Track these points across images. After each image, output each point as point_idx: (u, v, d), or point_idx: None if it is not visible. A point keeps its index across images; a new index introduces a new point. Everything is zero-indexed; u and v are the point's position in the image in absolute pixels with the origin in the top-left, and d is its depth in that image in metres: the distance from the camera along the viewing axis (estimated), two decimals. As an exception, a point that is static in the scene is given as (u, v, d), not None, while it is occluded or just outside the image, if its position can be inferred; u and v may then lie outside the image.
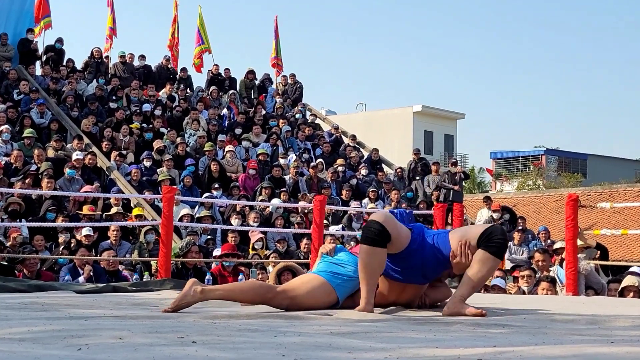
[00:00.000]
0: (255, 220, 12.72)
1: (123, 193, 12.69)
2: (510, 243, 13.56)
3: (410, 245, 4.15)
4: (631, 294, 7.57)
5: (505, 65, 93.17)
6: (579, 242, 8.73)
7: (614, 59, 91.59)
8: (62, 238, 10.76)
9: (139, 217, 12.09)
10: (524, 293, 8.12)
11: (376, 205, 15.23)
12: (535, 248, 12.32)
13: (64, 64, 18.29)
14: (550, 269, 8.50)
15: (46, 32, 19.25)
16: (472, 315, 3.95)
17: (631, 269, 8.50)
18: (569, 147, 56.64)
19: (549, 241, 13.56)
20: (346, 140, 19.74)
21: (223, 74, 20.24)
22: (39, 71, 17.75)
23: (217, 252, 10.92)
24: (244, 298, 4.28)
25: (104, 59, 19.43)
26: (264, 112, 19.28)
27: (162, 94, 18.56)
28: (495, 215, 15.36)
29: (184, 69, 20.27)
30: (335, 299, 4.24)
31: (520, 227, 14.30)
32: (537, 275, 8.46)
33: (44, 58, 18.42)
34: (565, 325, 3.56)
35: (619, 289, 7.85)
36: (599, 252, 9.78)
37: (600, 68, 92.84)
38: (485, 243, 4.07)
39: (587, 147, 73.63)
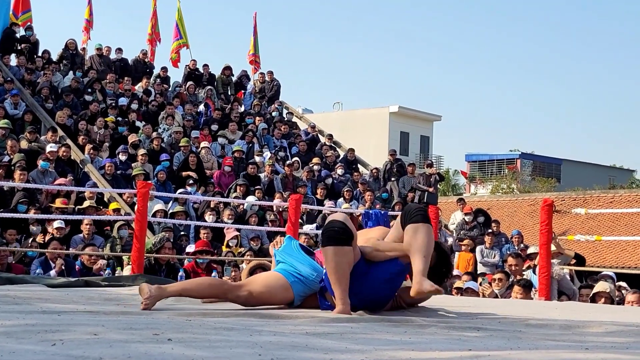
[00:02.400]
0: (230, 217, 12.69)
1: (97, 187, 12.59)
2: (482, 246, 13.62)
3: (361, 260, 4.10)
4: (602, 300, 7.64)
5: (482, 68, 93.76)
6: (553, 247, 8.81)
7: (590, 66, 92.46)
8: (38, 234, 10.65)
9: (117, 211, 12.01)
10: (496, 296, 8.17)
11: (350, 205, 15.24)
12: (508, 252, 12.38)
13: (40, 54, 18.11)
14: (523, 273, 8.56)
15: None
16: (434, 291, 3.87)
17: (602, 273, 8.60)
18: (544, 152, 57.02)
19: (522, 245, 13.63)
20: (322, 139, 19.74)
21: (201, 70, 20.16)
22: (14, 61, 17.55)
23: (190, 248, 10.88)
24: (200, 293, 4.26)
25: (80, 51, 19.27)
26: (241, 109, 19.22)
27: (138, 88, 18.45)
28: (467, 218, 15.40)
29: (164, 68, 20.13)
30: (291, 296, 4.22)
31: (490, 230, 14.35)
32: (510, 279, 8.51)
33: (18, 48, 18.21)
34: (540, 330, 3.57)
35: (591, 295, 7.92)
36: (574, 260, 9.86)
37: (576, 74, 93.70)
38: (408, 218, 4.03)
39: (562, 152, 74.27)
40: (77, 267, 9.49)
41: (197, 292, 4.24)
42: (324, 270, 4.13)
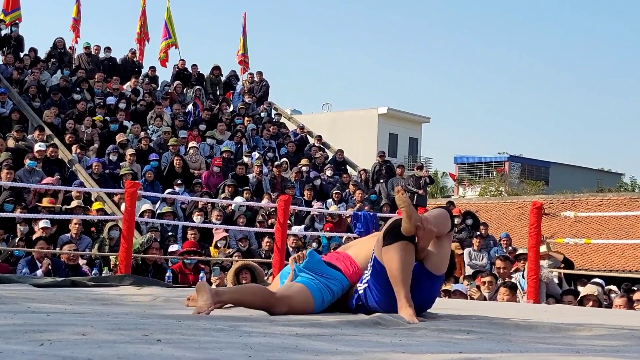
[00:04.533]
0: (219, 218, 12.65)
1: (84, 186, 12.53)
2: (470, 249, 13.63)
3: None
4: (590, 303, 7.67)
5: (471, 70, 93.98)
6: (543, 249, 8.83)
7: (579, 69, 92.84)
8: (25, 234, 10.59)
9: (100, 211, 11.95)
10: (485, 299, 8.18)
11: (339, 207, 15.23)
12: (496, 255, 12.40)
13: (27, 52, 18.02)
14: (511, 275, 8.57)
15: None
16: (410, 322, 3.79)
17: (593, 280, 8.63)
18: (533, 155, 57.20)
19: (510, 248, 13.65)
20: (311, 140, 19.72)
21: (190, 70, 20.10)
22: (0, 59, 17.46)
23: (172, 248, 10.83)
24: (252, 304, 4.10)
25: (68, 50, 19.19)
26: (230, 109, 19.18)
27: (127, 87, 18.39)
28: (456, 221, 15.41)
29: (152, 68, 20.07)
30: (311, 309, 4.16)
31: (478, 233, 14.37)
32: (498, 282, 8.53)
33: (3, 47, 18.12)
34: (529, 333, 3.57)
35: (579, 298, 7.95)
36: (562, 264, 9.89)
37: (565, 78, 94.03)
38: (386, 239, 3.98)
39: (550, 155, 74.40)
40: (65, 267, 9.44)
41: (250, 303, 4.09)
42: (369, 272, 4.11)
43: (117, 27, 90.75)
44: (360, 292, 4.19)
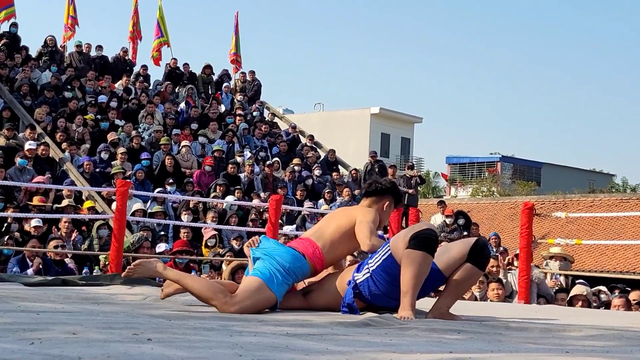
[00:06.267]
0: (214, 219, 12.62)
1: (75, 185, 12.50)
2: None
3: None
4: (580, 303, 7.69)
5: (463, 71, 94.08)
6: (557, 250, 8.87)
7: (570, 70, 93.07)
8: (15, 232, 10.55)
9: (90, 209, 11.92)
10: (476, 299, 8.19)
11: (330, 207, 15.22)
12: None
13: (18, 51, 17.95)
14: (507, 273, 8.58)
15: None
16: (408, 317, 3.92)
17: (577, 281, 8.67)
18: (525, 155, 57.24)
19: (501, 248, 13.68)
20: (303, 140, 19.72)
21: (182, 69, 20.07)
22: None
23: (159, 248, 10.80)
24: (198, 291, 4.14)
25: (60, 48, 19.13)
26: (223, 108, 19.15)
27: (118, 85, 18.35)
28: (448, 220, 15.45)
29: (144, 66, 20.03)
30: (274, 301, 4.17)
31: (466, 233, 14.40)
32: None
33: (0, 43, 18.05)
34: (520, 333, 3.58)
35: (568, 298, 7.97)
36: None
37: (557, 78, 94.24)
38: (410, 239, 4.01)
39: (542, 156, 74.56)
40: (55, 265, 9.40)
41: (196, 290, 4.15)
42: (369, 269, 4.17)
43: (109, 26, 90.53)
44: (359, 280, 4.19)
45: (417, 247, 3.96)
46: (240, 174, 15.54)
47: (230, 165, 15.39)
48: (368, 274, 4.17)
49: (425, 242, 3.97)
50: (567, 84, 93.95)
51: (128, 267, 4.31)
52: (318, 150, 19.57)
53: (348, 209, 4.73)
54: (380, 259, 4.15)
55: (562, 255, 9.84)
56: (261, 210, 13.60)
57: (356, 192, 16.20)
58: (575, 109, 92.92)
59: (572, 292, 8.01)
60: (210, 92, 20.21)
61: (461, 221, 15.46)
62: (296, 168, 16.79)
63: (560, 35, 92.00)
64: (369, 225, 4.29)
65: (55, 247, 9.57)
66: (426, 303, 4.32)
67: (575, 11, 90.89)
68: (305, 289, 4.48)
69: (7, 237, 10.29)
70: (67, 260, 9.85)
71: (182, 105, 18.37)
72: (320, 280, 4.47)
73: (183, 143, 15.87)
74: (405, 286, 3.99)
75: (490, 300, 7.82)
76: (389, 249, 4.12)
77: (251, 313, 4.03)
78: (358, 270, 4.26)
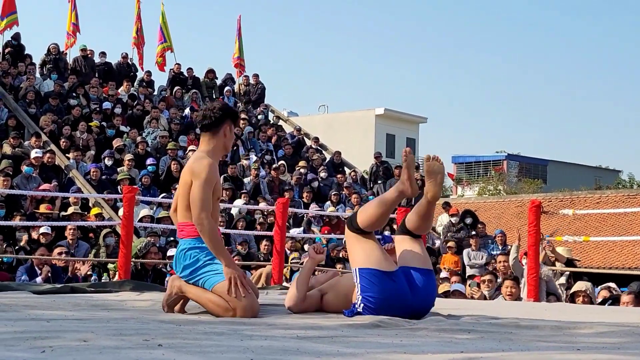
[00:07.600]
0: (222, 224, 12.61)
1: (82, 192, 12.52)
2: (468, 249, 13.63)
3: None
4: (580, 299, 7.68)
5: (468, 70, 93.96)
6: (564, 251, 8.84)
7: (576, 67, 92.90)
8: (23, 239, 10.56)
9: (98, 216, 11.92)
10: (485, 298, 8.18)
11: (337, 209, 15.21)
12: (493, 252, 12.39)
13: (22, 59, 17.97)
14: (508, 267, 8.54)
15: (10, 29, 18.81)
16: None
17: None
18: (530, 153, 57.13)
19: (508, 246, 13.65)
20: (309, 142, 19.71)
21: (185, 74, 20.09)
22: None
23: (171, 252, 10.80)
24: (210, 308, 4.21)
25: (62, 55, 19.13)
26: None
27: (121, 91, 18.35)
28: (454, 220, 15.42)
29: (148, 72, 20.03)
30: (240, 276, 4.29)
31: (474, 233, 14.37)
32: (498, 280, 8.53)
33: (4, 52, 18.08)
34: (530, 332, 3.57)
35: (569, 294, 7.96)
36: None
37: (562, 76, 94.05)
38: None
39: (548, 153, 74.45)
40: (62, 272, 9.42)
41: (206, 305, 4.27)
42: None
43: (113, 31, 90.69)
44: (360, 309, 4.15)
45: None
46: (245, 179, 15.50)
47: (230, 166, 15.31)
48: (362, 302, 4.14)
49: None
50: (571, 81, 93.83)
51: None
52: (323, 152, 19.55)
53: (187, 165, 4.72)
54: (358, 283, 4.16)
55: (567, 257, 9.75)
56: (266, 213, 13.60)
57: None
58: (580, 106, 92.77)
59: (574, 288, 7.99)
60: (214, 97, 20.21)
61: (468, 220, 15.40)
62: (302, 171, 16.78)
63: (565, 33, 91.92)
64: (200, 195, 4.37)
65: (60, 253, 9.59)
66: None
67: (579, 9, 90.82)
68: (321, 290, 4.49)
69: (15, 246, 10.32)
70: (80, 269, 9.80)
71: (187, 110, 18.36)
72: (334, 284, 4.49)
73: (190, 148, 15.87)
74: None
75: (504, 298, 7.79)
76: (355, 268, 4.21)
77: (255, 308, 4.10)
78: (353, 307, 4.23)
